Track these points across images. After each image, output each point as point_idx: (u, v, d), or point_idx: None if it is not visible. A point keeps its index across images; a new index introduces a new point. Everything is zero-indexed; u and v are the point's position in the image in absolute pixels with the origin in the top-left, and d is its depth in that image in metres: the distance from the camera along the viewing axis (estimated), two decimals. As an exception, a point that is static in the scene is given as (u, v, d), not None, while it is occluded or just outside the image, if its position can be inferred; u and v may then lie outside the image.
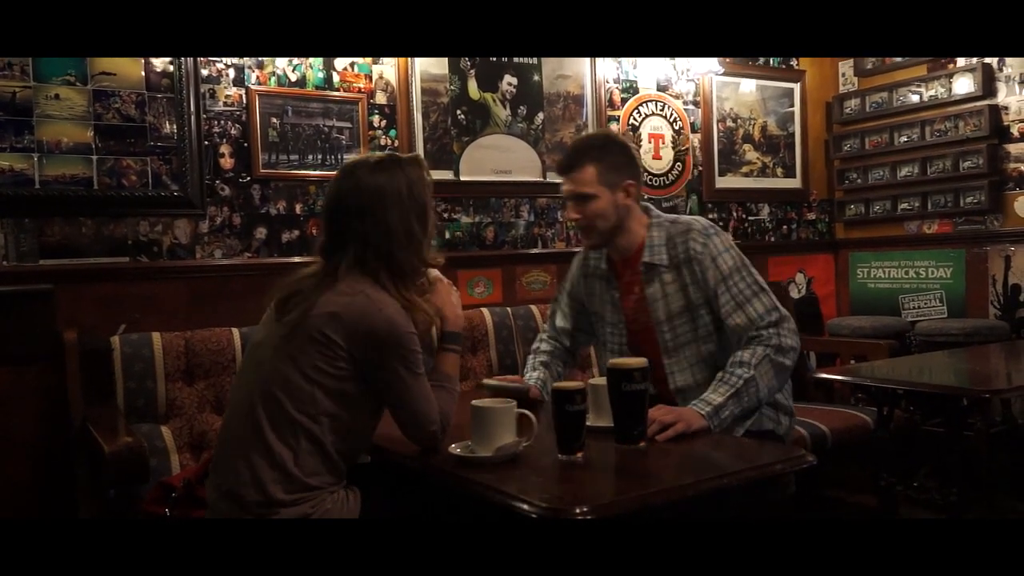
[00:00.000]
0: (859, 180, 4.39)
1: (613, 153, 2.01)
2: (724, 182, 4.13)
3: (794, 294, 4.24)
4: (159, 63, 2.74)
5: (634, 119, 3.84)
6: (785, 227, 4.36)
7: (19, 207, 2.51)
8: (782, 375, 1.88)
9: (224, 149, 2.87)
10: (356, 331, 1.50)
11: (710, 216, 4.06)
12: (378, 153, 1.76)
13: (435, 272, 1.74)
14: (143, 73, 2.72)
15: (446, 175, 3.31)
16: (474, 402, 1.58)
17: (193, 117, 2.78)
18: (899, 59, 4.23)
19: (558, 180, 2.12)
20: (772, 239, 4.31)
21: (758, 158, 4.27)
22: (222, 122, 2.87)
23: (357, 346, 1.51)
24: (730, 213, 4.16)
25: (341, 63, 3.09)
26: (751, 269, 1.97)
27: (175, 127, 2.76)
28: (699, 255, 1.94)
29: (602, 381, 1.68)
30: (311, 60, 3.02)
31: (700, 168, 4.05)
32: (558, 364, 2.24)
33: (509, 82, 3.47)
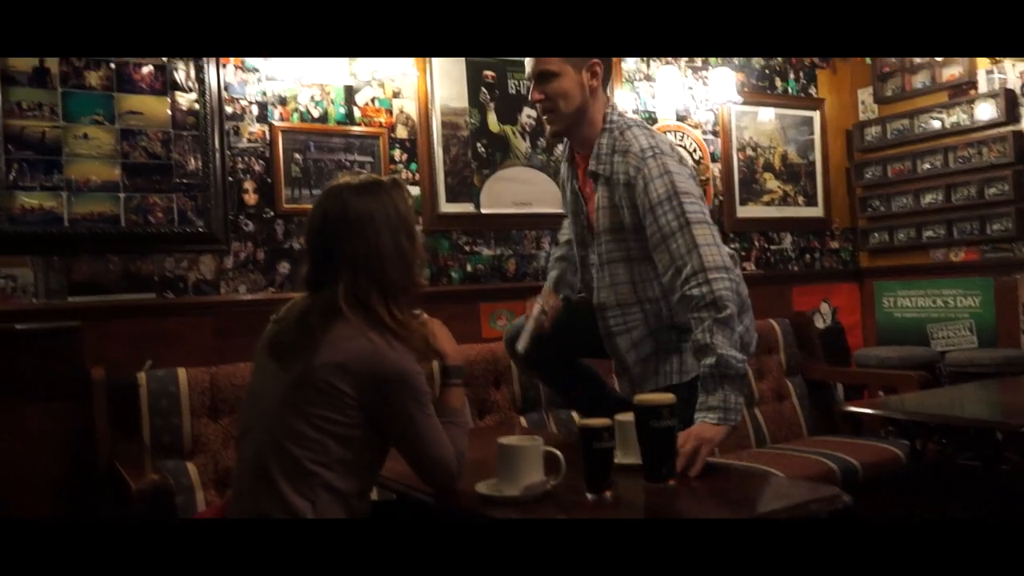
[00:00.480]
0: (882, 208, 4.36)
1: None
2: (745, 211, 4.12)
3: (819, 324, 4.20)
4: (184, 101, 2.78)
5: (654, 150, 3.84)
6: (808, 256, 4.33)
7: (48, 245, 2.55)
8: (736, 321, 1.74)
9: (248, 185, 2.90)
10: (364, 379, 1.46)
11: (732, 246, 4.04)
12: (358, 175, 1.71)
13: (423, 315, 1.70)
14: (169, 111, 2.76)
15: (467, 208, 3.32)
16: (501, 440, 1.56)
17: (218, 154, 2.81)
18: (919, 86, 4.21)
19: None
20: (795, 268, 4.27)
21: (779, 187, 4.25)
22: (246, 158, 2.90)
23: (367, 394, 1.47)
24: (752, 243, 4.14)
25: (363, 98, 3.12)
26: (685, 199, 1.80)
27: (200, 164, 2.79)
28: (632, 179, 1.83)
29: (629, 417, 1.66)
30: (333, 96, 3.05)
31: (721, 198, 4.04)
32: (572, 269, 2.16)
33: (528, 114, 3.48)
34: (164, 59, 2.74)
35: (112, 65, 2.66)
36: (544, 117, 1.95)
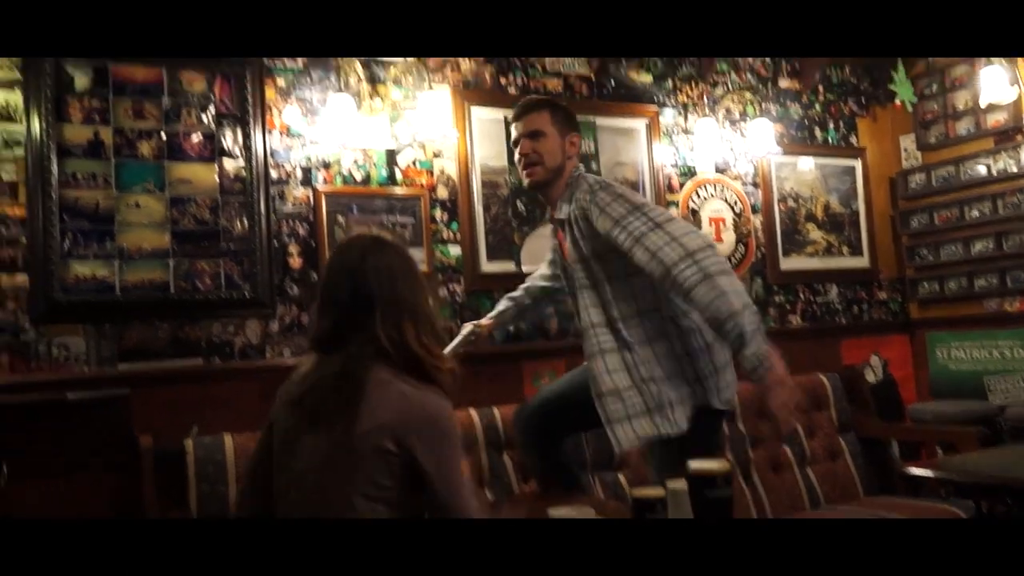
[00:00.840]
0: (930, 257, 4.27)
1: (562, 108, 2.26)
2: (789, 263, 4.06)
3: (870, 377, 4.09)
4: (231, 167, 2.84)
5: (693, 202, 3.83)
6: (856, 308, 4.24)
7: (100, 313, 2.59)
8: (732, 278, 1.89)
9: (293, 248, 2.93)
10: (409, 431, 1.44)
11: (776, 299, 3.99)
12: (365, 232, 1.73)
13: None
14: (217, 178, 2.81)
15: (507, 266, 3.31)
16: (552, 511, 1.53)
17: (263, 219, 2.86)
18: (963, 132, 4.15)
19: None
20: (843, 320, 4.18)
21: (822, 237, 4.20)
22: (291, 222, 2.94)
23: (411, 444, 1.45)
24: (797, 295, 4.07)
25: (404, 160, 3.16)
26: (646, 208, 2.00)
27: (246, 229, 2.84)
28: (587, 210, 2.06)
29: (682, 486, 1.62)
30: (375, 158, 3.10)
31: (763, 249, 4.00)
32: (527, 298, 2.55)
33: (568, 172, 3.49)
34: (213, 126, 2.82)
35: (163, 135, 2.74)
36: (526, 170, 2.22)
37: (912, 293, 4.35)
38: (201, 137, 2.81)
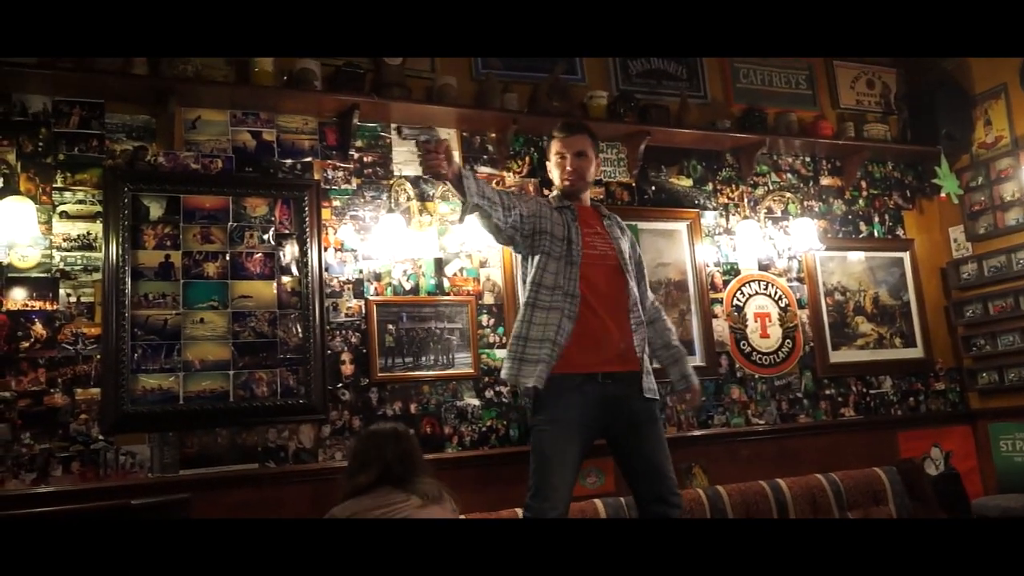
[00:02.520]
0: (988, 347, 4.19)
1: (595, 135, 2.87)
2: (839, 356, 4.04)
3: (931, 470, 3.99)
4: (289, 282, 3.04)
5: (738, 300, 3.88)
6: (912, 399, 4.16)
7: (164, 422, 2.78)
8: None
9: (345, 356, 3.10)
10: None
11: (827, 392, 3.96)
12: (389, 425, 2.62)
13: None
14: (275, 292, 3.02)
15: (553, 367, 3.40)
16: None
17: (318, 329, 3.04)
18: (1012, 222, 4.13)
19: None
20: (899, 412, 4.11)
21: (873, 329, 4.17)
22: (343, 332, 3.11)
23: None
24: (849, 388, 4.03)
25: (451, 269, 3.33)
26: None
27: (302, 339, 3.02)
28: (626, 229, 2.94)
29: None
30: (423, 268, 3.27)
31: (811, 344, 4.00)
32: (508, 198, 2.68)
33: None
34: (273, 245, 3.05)
35: (227, 256, 2.97)
36: (570, 180, 2.77)
37: (971, 383, 4.25)
38: (262, 256, 3.03)
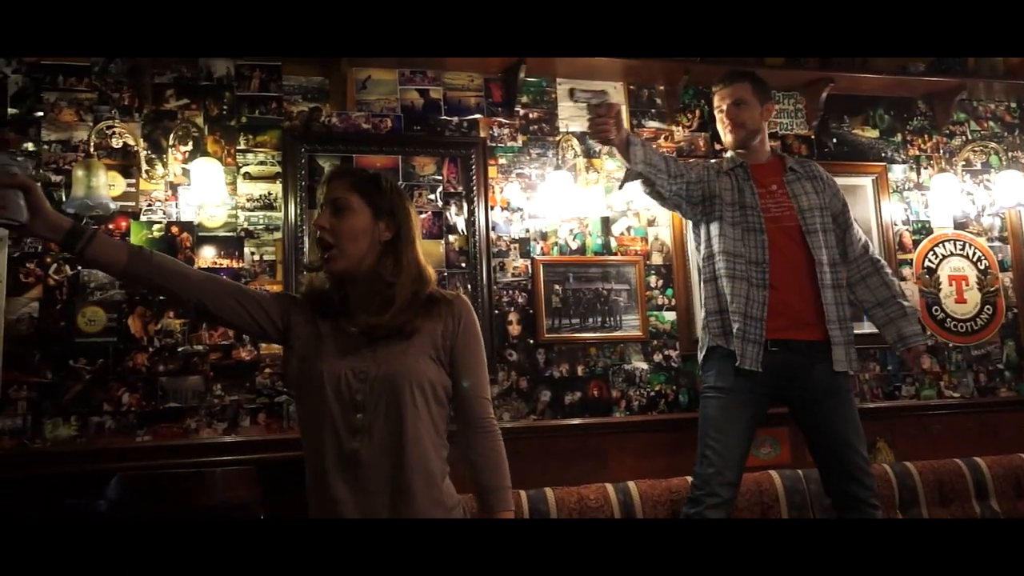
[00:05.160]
0: None
1: (761, 80, 2.71)
2: (1048, 324, 3.63)
3: None
4: (456, 241, 3.03)
5: (929, 261, 3.55)
6: None
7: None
8: None
9: (512, 317, 3.06)
10: None
11: (1034, 365, 3.58)
12: None
13: None
14: (443, 252, 3.02)
15: (725, 332, 3.23)
16: None
17: (485, 289, 3.01)
18: None
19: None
20: (1121, 389, 3.65)
21: (1090, 295, 3.71)
22: (510, 292, 3.08)
23: None
24: (1060, 360, 3.62)
25: (618, 228, 3.21)
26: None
27: (470, 299, 2.99)
28: (825, 177, 2.74)
29: None
30: (590, 227, 3.17)
31: (1015, 310, 3.61)
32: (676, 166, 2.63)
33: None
34: (440, 204, 3.04)
35: (397, 215, 2.98)
36: (731, 130, 2.67)
37: None
38: (430, 215, 3.03)
